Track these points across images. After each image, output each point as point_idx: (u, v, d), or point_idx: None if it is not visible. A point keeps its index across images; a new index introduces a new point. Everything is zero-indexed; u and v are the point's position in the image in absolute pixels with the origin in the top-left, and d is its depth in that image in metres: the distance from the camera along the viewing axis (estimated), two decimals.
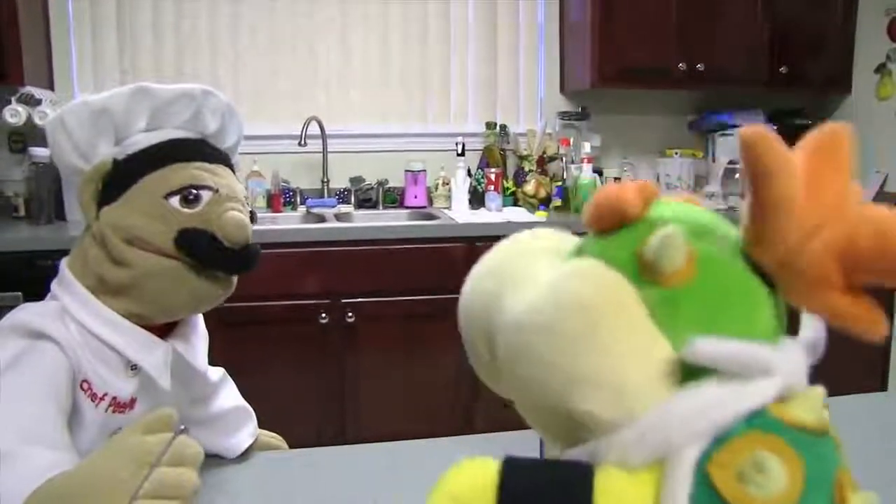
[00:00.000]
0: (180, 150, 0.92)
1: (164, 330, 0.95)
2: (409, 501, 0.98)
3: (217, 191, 0.89)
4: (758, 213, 0.48)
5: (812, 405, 0.48)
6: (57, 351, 0.84)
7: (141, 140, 0.91)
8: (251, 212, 0.93)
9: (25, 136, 3.06)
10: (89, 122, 0.89)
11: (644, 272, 0.48)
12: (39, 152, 2.84)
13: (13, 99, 2.77)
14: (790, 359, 0.48)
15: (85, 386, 0.87)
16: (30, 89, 2.80)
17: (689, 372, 0.47)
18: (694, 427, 0.45)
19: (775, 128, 3.58)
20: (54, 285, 0.92)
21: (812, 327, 0.52)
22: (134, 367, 0.90)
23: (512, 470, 0.48)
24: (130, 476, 0.68)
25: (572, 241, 0.57)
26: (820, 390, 0.50)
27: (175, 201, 0.87)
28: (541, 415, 0.52)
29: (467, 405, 2.95)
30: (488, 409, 2.93)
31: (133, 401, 0.92)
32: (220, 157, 0.96)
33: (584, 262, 0.51)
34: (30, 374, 0.82)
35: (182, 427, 0.72)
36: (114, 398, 0.89)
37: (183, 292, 0.89)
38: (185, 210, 0.88)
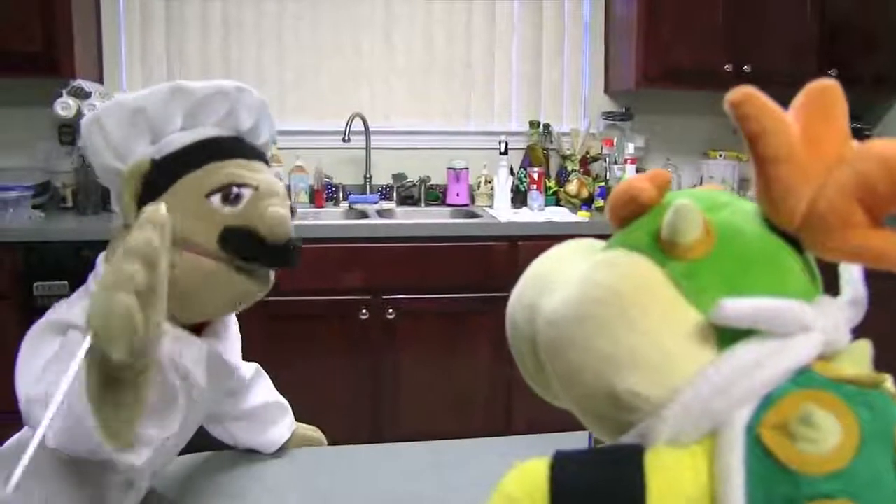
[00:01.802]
0: (218, 149, 0.92)
1: (198, 328, 0.95)
2: (452, 501, 0.98)
3: (257, 188, 0.89)
4: (761, 172, 0.49)
5: (858, 359, 0.48)
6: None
7: (177, 139, 0.91)
8: (291, 207, 0.93)
9: (75, 129, 3.11)
10: (125, 122, 0.90)
11: (665, 249, 0.49)
12: None
13: (64, 92, 2.81)
14: (828, 315, 0.48)
15: None
16: (80, 82, 2.85)
17: (728, 338, 0.47)
18: (738, 391, 0.45)
19: None
20: (91, 281, 0.93)
21: (851, 284, 0.51)
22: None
23: (562, 464, 0.48)
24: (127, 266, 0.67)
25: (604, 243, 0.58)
26: (865, 344, 0.49)
27: (216, 200, 0.87)
28: (589, 405, 0.52)
29: (506, 404, 2.94)
30: (528, 408, 2.92)
31: None
32: (257, 154, 0.96)
33: (608, 253, 0.53)
34: (72, 361, 0.82)
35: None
36: None
37: (221, 292, 0.89)
38: (227, 209, 0.88)
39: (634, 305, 0.48)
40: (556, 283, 0.54)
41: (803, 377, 0.45)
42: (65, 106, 2.80)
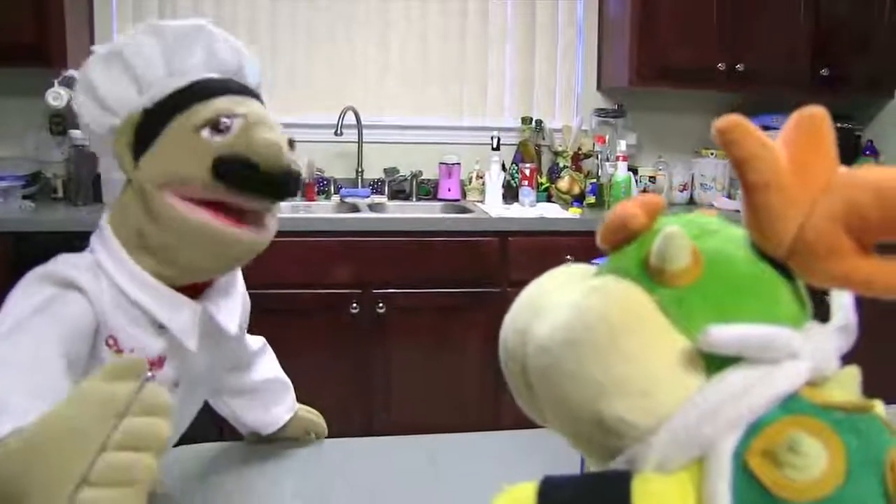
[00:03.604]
0: (206, 88, 0.90)
1: (196, 291, 0.93)
2: (446, 494, 0.99)
3: (246, 116, 0.87)
4: (749, 199, 0.49)
5: (847, 385, 0.48)
6: (84, 302, 0.84)
7: (165, 85, 0.89)
8: (289, 140, 0.90)
9: (66, 119, 3.10)
10: (104, 69, 0.89)
11: (653, 276, 0.49)
12: (79, 135, 2.88)
13: (56, 82, 2.80)
14: (817, 342, 0.48)
15: (111, 341, 0.87)
16: (72, 73, 2.82)
17: (716, 365, 0.47)
18: (725, 417, 0.45)
19: None
20: (93, 238, 0.91)
21: (842, 311, 0.51)
22: (161, 327, 0.89)
23: (549, 488, 0.49)
24: (97, 427, 0.62)
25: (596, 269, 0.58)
26: (853, 370, 0.49)
27: (206, 133, 0.86)
28: (577, 431, 0.53)
29: (496, 399, 2.95)
30: (515, 407, 2.93)
31: (161, 360, 0.91)
32: (248, 92, 0.94)
33: (598, 279, 0.53)
34: (50, 321, 0.81)
35: (150, 374, 0.66)
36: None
37: (209, 244, 0.87)
38: (217, 138, 0.86)
39: (623, 332, 0.48)
40: (547, 308, 0.54)
41: (791, 403, 0.45)
42: (56, 96, 2.78)
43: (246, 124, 0.86)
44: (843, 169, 0.49)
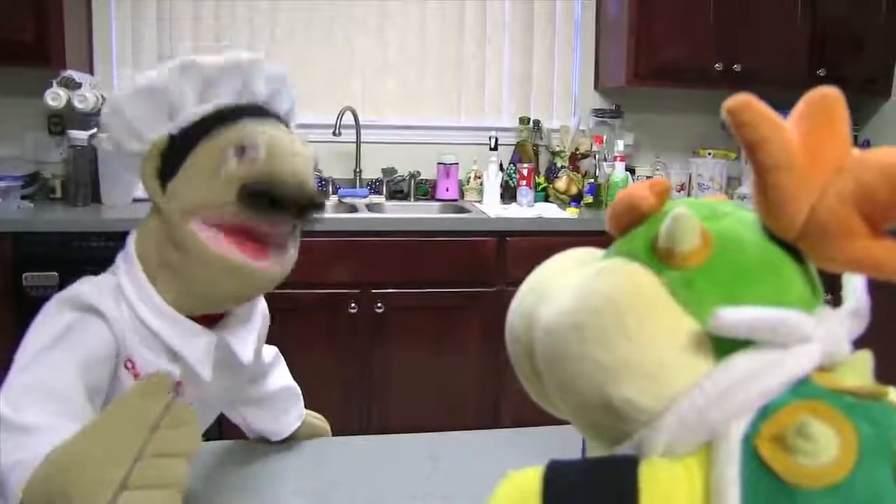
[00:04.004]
0: (230, 113, 0.91)
1: (217, 318, 0.95)
2: (447, 492, 1.00)
3: (271, 142, 0.88)
4: (760, 180, 0.48)
5: (859, 371, 0.48)
6: (104, 327, 0.85)
7: (193, 112, 0.90)
8: (315, 166, 0.91)
9: (64, 119, 3.10)
10: (140, 102, 0.89)
11: (662, 258, 0.49)
12: (78, 135, 2.88)
13: (54, 82, 2.80)
14: (828, 326, 0.48)
15: (129, 364, 0.88)
16: (70, 73, 2.84)
17: (725, 348, 0.46)
18: (734, 401, 0.44)
19: None
20: (119, 259, 0.92)
21: (853, 295, 0.50)
22: (176, 355, 0.90)
23: (555, 474, 0.48)
24: (131, 438, 0.68)
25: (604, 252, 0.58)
26: (866, 355, 0.49)
27: (231, 159, 0.86)
28: (585, 416, 0.52)
29: (495, 398, 2.96)
30: (516, 403, 2.94)
31: (178, 384, 0.92)
32: (273, 116, 0.95)
33: (605, 262, 0.52)
34: (73, 347, 0.83)
35: (176, 392, 0.73)
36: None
37: (228, 275, 0.88)
38: (243, 163, 0.86)
39: (630, 314, 0.47)
40: (554, 292, 0.53)
41: (802, 388, 0.45)
42: (55, 96, 2.79)
43: (271, 150, 0.87)
44: (855, 151, 0.48)
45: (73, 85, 2.82)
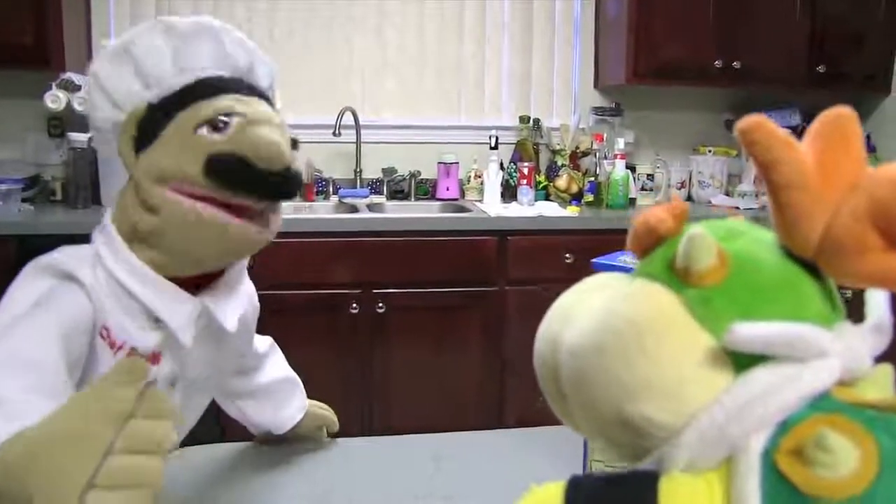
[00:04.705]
0: (212, 86, 0.88)
1: (199, 286, 0.91)
2: (450, 493, 1.00)
3: (246, 115, 0.85)
4: (775, 199, 0.49)
5: (880, 384, 0.48)
6: (81, 294, 0.83)
7: (172, 82, 0.88)
8: (293, 139, 0.88)
9: (64, 122, 3.11)
10: (113, 65, 0.88)
11: (680, 277, 0.50)
12: (78, 137, 2.88)
13: (54, 84, 2.80)
14: (848, 341, 0.48)
15: (104, 332, 0.85)
16: (70, 75, 2.84)
17: (743, 364, 0.47)
18: (753, 416, 0.45)
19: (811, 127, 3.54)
20: (95, 232, 0.90)
21: (876, 310, 0.51)
22: (157, 321, 0.88)
23: (576, 490, 0.49)
24: (102, 429, 0.63)
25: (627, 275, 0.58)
26: (887, 368, 0.49)
27: (204, 131, 0.84)
28: (608, 434, 0.53)
29: (497, 398, 2.96)
30: (518, 401, 2.94)
31: (157, 356, 0.89)
32: (256, 92, 0.92)
33: (627, 284, 0.53)
34: (50, 315, 0.80)
35: (151, 379, 0.68)
36: (132, 349, 0.87)
37: (209, 236, 0.84)
38: (215, 136, 0.83)
39: (650, 333, 0.48)
40: (578, 315, 0.54)
41: (822, 402, 0.45)
42: (54, 99, 2.79)
43: (244, 122, 0.84)
44: (870, 168, 0.49)
45: (72, 87, 2.82)
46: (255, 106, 0.88)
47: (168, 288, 0.87)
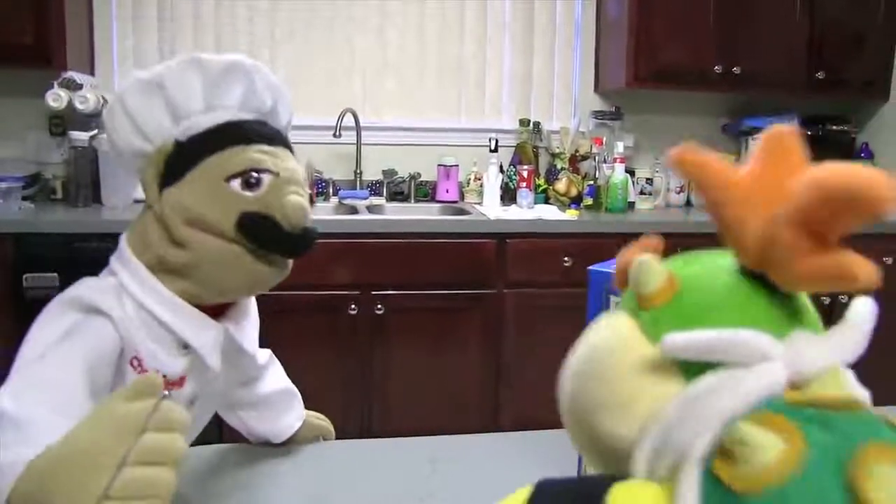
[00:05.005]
0: (240, 132, 0.91)
1: (217, 311, 0.95)
2: (448, 495, 1.01)
3: (278, 174, 0.89)
4: (714, 218, 0.52)
5: (830, 383, 0.49)
6: (108, 326, 0.86)
7: (201, 121, 0.91)
8: (310, 195, 0.93)
9: (65, 120, 3.12)
10: (144, 96, 0.90)
11: (639, 303, 0.53)
12: (79, 136, 2.89)
13: (55, 83, 2.81)
14: (798, 346, 0.49)
15: (135, 362, 0.88)
16: (72, 74, 2.85)
17: (695, 374, 0.48)
18: (694, 421, 0.46)
19: (809, 133, 3.56)
20: (113, 260, 0.92)
21: (849, 317, 0.52)
22: (185, 347, 0.91)
23: (540, 492, 0.51)
24: (115, 444, 0.67)
25: None
26: (837, 370, 0.50)
27: (236, 184, 0.87)
28: (590, 451, 0.56)
29: (495, 400, 2.97)
30: (515, 403, 2.95)
31: (182, 379, 0.93)
32: (280, 139, 0.96)
33: (606, 317, 0.57)
34: (76, 345, 0.83)
35: (165, 392, 0.71)
36: (163, 376, 0.88)
37: (240, 275, 0.90)
38: (247, 194, 0.88)
39: (611, 355, 0.52)
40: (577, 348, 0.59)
41: (771, 405, 0.45)
42: (56, 97, 2.80)
43: (276, 182, 0.89)
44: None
45: (73, 86, 2.83)
46: (283, 161, 0.92)
47: (195, 315, 0.91)
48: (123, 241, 0.93)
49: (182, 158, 0.89)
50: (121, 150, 0.93)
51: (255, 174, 0.88)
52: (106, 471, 0.66)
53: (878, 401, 0.54)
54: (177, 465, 0.68)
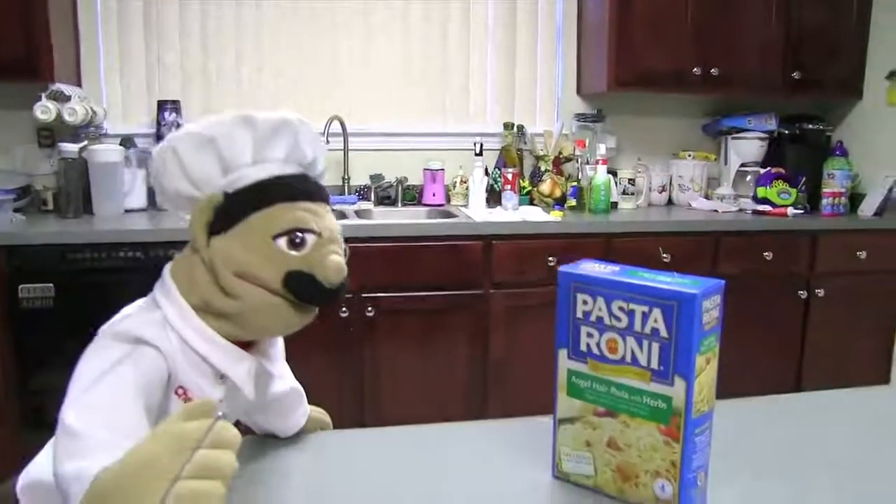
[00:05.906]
0: (286, 189, 0.98)
1: (249, 343, 1.03)
2: (450, 476, 1.05)
3: (320, 234, 0.96)
4: None
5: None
6: (159, 357, 0.92)
7: (249, 174, 0.98)
8: (345, 250, 1.01)
9: (54, 132, 3.14)
10: (198, 150, 0.97)
11: None
12: (68, 147, 2.92)
13: (43, 95, 2.83)
14: None
15: (180, 391, 0.95)
16: (59, 86, 2.87)
17: None
18: None
19: (787, 132, 3.63)
20: (158, 293, 0.99)
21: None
22: (222, 377, 0.98)
23: None
24: (171, 460, 0.72)
25: None
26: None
27: (282, 243, 0.94)
28: None
29: (481, 397, 3.01)
30: (501, 399, 3.00)
31: (220, 403, 0.99)
32: (320, 195, 1.02)
33: None
34: (130, 371, 0.89)
35: (220, 413, 0.77)
36: None
37: (279, 322, 0.97)
38: (292, 253, 0.94)
39: None
40: None
41: None
42: (44, 109, 2.82)
43: (319, 242, 0.96)
44: None
45: (62, 98, 2.85)
46: (325, 220, 0.99)
47: (231, 349, 0.99)
48: (168, 276, 0.99)
49: (231, 210, 0.96)
50: (165, 190, 1.01)
51: (299, 234, 0.95)
52: (162, 483, 0.71)
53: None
54: (228, 480, 0.73)
